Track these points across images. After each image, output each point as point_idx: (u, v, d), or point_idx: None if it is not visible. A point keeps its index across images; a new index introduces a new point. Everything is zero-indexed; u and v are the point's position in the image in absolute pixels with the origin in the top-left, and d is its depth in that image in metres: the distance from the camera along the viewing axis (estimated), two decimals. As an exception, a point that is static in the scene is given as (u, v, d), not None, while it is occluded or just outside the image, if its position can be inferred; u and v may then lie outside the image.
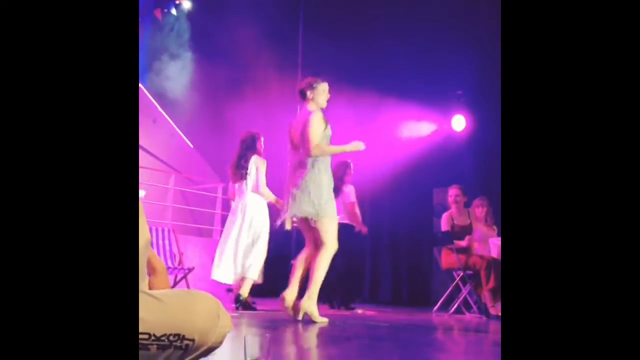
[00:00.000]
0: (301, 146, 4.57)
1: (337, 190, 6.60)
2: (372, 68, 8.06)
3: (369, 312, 6.12)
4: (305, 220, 4.57)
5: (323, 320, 4.35)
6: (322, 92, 4.70)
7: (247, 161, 5.65)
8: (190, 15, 8.16)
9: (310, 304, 4.38)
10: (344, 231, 6.51)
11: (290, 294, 4.47)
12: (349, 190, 6.64)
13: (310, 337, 3.43)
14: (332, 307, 6.50)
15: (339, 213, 6.52)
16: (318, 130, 4.51)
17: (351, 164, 6.75)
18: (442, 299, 6.49)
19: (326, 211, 4.51)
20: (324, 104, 4.73)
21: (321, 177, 4.57)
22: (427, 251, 8.21)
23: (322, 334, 3.61)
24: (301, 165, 4.56)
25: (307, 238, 4.72)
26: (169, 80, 7.48)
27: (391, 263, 8.75)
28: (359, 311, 6.17)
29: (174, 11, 8.04)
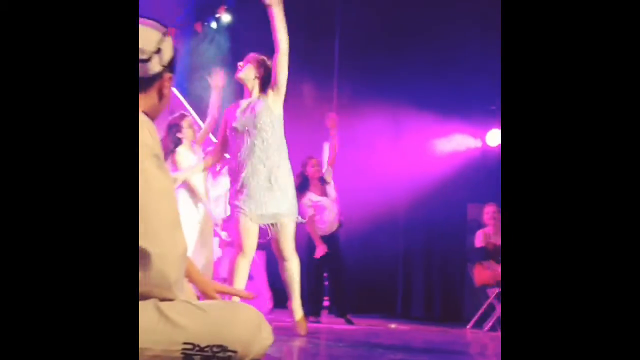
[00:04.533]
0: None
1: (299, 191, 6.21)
2: (407, 82, 8.06)
3: (402, 327, 6.08)
4: None
5: None
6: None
7: None
8: (229, 28, 8.26)
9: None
10: (371, 242, 6.45)
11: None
12: (303, 202, 5.98)
13: (341, 351, 3.42)
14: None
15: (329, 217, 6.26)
16: None
17: (314, 160, 6.29)
18: (476, 316, 6.43)
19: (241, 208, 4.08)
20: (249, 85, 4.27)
21: (236, 167, 4.18)
22: (459, 267, 8.13)
23: (355, 347, 3.60)
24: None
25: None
26: (208, 92, 7.58)
27: (424, 278, 8.69)
28: (393, 326, 6.13)
29: (213, 24, 8.15)
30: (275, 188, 4.01)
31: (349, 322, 6.05)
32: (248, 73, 4.17)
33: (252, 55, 4.22)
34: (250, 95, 4.19)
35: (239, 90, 4.45)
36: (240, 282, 4.01)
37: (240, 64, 4.25)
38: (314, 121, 7.70)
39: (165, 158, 5.09)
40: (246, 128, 4.05)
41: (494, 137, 8.58)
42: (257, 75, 4.16)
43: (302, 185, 6.06)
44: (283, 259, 4.16)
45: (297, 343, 3.60)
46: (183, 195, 5.03)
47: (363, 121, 8.08)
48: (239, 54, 8.22)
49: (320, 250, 6.05)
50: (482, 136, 8.64)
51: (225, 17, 8.22)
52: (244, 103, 4.19)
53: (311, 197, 6.14)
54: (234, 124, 4.10)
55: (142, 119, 1.53)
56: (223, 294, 1.86)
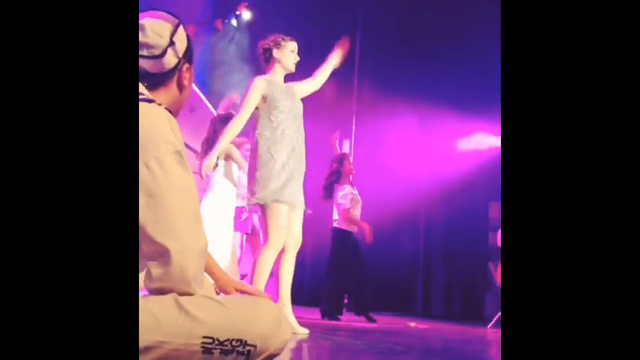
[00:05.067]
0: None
1: (330, 189, 6.19)
2: (427, 81, 8.03)
3: (422, 326, 6.06)
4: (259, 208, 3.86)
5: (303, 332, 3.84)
6: (290, 52, 3.99)
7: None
8: (249, 26, 8.29)
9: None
10: (392, 240, 6.42)
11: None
12: (344, 194, 6.14)
13: (360, 349, 3.41)
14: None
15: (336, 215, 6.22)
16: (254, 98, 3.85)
17: (350, 158, 6.40)
18: (497, 316, 6.38)
19: (273, 196, 3.80)
20: (291, 68, 4.01)
21: (265, 155, 3.84)
22: (481, 266, 8.09)
23: (372, 346, 3.59)
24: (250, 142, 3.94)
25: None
26: (229, 90, 7.60)
27: (444, 277, 8.67)
28: (412, 324, 6.11)
29: (234, 22, 8.18)
30: (297, 176, 3.89)
31: (371, 319, 6.03)
32: (290, 55, 3.99)
33: (292, 40, 4.02)
34: (269, 71, 4.01)
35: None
36: (262, 277, 3.79)
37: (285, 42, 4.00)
38: (334, 118, 7.69)
39: (210, 147, 5.19)
40: (292, 114, 3.90)
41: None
42: (295, 63, 4.01)
43: (337, 181, 6.18)
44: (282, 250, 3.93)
45: (316, 340, 3.60)
46: (218, 188, 5.16)
47: (383, 119, 8.06)
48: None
49: (370, 233, 6.11)
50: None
51: (246, 15, 8.24)
52: (282, 84, 3.99)
53: (350, 189, 6.18)
54: (280, 105, 3.86)
55: (165, 116, 1.53)
56: (242, 292, 1.85)
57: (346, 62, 4.45)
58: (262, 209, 3.83)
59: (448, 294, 8.60)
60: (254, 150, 3.92)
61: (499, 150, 8.48)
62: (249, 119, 3.92)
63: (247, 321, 1.49)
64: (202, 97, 6.43)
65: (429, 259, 8.68)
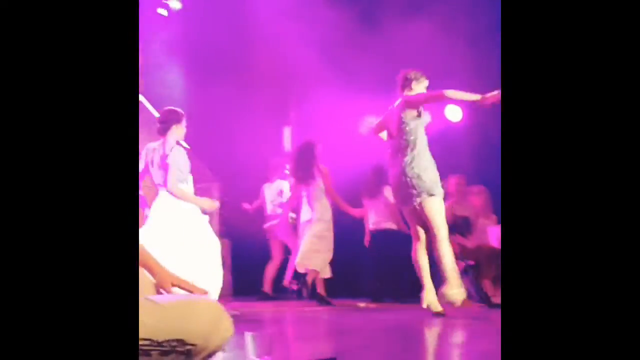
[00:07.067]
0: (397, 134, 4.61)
1: (377, 193, 6.76)
2: (366, 59, 8.03)
3: (371, 305, 6.12)
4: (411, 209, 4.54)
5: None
6: (424, 87, 4.74)
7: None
8: (180, 15, 8.10)
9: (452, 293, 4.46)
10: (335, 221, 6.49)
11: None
12: (389, 191, 6.37)
13: (311, 331, 3.42)
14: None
15: (381, 217, 6.72)
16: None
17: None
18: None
19: (435, 190, 4.50)
20: None
21: (426, 157, 4.56)
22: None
23: (323, 327, 3.60)
24: (400, 152, 4.57)
25: (413, 228, 4.68)
26: (163, 82, 7.44)
27: (390, 255, 8.71)
28: (362, 304, 6.17)
29: (164, 12, 7.98)
30: None
31: (326, 302, 6.14)
32: (422, 89, 4.80)
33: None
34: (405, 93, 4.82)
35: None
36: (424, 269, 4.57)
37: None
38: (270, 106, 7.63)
39: None
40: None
41: (452, 112, 8.61)
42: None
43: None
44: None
45: (266, 327, 3.59)
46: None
47: (319, 99, 8.04)
48: (190, 40, 8.07)
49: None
50: (441, 111, 8.68)
51: (174, 4, 8.06)
52: None
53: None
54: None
55: None
56: (179, 287, 1.82)
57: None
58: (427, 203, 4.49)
59: (395, 272, 8.67)
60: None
61: (438, 127, 8.59)
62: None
63: (185, 320, 1.46)
64: (156, 113, 6.29)
65: (373, 238, 8.71)
